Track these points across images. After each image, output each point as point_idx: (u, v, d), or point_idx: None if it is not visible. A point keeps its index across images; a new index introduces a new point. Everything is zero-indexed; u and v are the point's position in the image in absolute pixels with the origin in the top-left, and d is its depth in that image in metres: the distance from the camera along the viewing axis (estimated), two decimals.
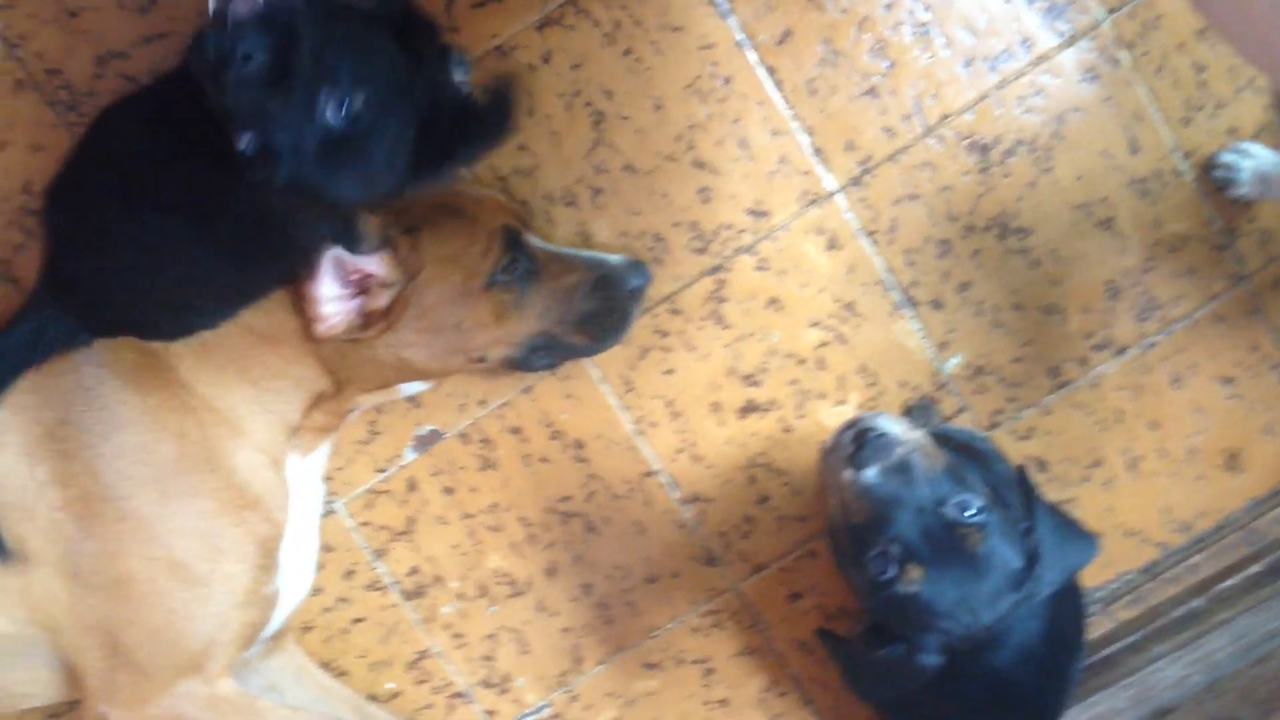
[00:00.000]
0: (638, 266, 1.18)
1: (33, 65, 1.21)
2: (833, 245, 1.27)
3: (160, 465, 1.07)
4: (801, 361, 1.29)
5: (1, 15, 1.20)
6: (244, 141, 0.88)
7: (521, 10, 1.22)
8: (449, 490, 1.32)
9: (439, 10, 1.21)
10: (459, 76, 1.20)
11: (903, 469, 1.03)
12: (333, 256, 1.01)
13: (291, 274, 1.05)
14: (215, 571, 1.07)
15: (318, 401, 1.12)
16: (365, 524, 1.32)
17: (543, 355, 1.17)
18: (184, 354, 1.09)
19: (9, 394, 1.08)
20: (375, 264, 1.04)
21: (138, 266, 1.06)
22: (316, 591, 1.32)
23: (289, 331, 1.08)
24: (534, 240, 1.16)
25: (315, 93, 0.88)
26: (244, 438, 1.10)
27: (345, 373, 1.11)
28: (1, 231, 1.21)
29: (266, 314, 1.08)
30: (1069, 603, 1.17)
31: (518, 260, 1.12)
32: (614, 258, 1.19)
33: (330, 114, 0.88)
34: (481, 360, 1.13)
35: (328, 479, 1.29)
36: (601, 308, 1.16)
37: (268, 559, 1.12)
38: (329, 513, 1.31)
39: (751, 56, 1.23)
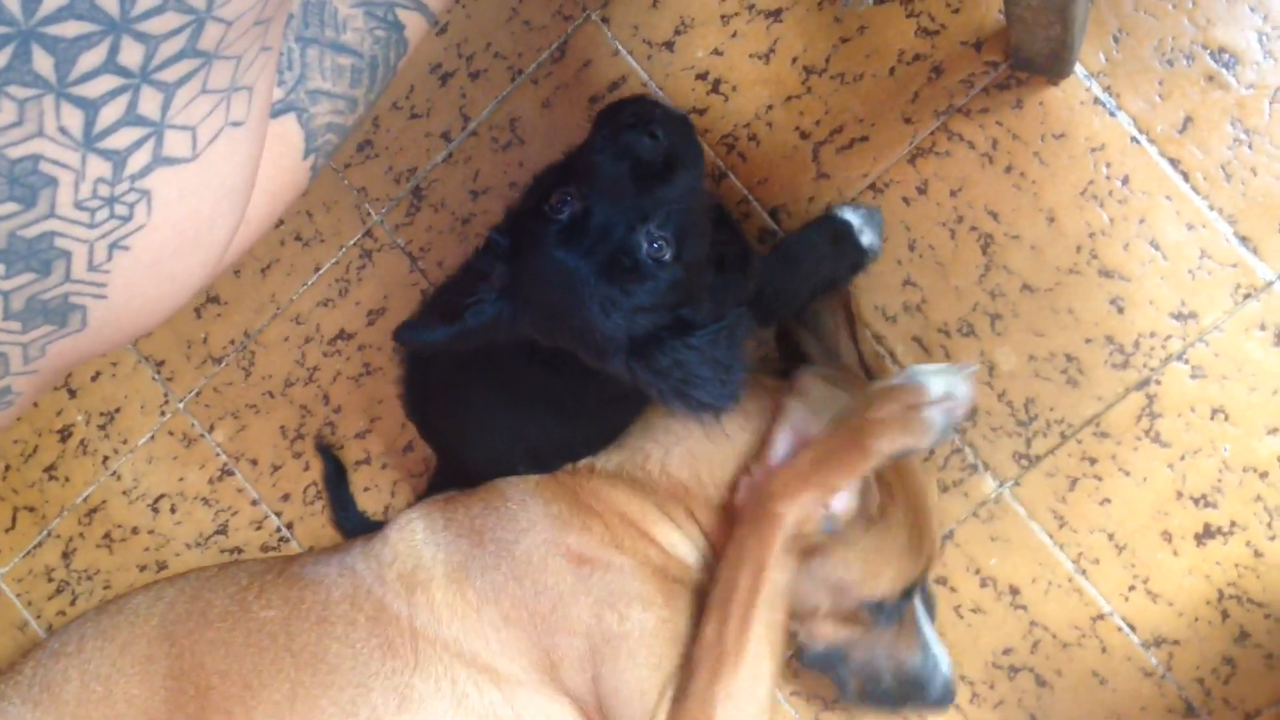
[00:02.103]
0: None
1: (434, 274, 1.29)
2: None
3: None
4: (1263, 475, 1.14)
5: (402, 233, 1.30)
6: (564, 199, 0.87)
7: (890, 145, 1.19)
8: None
9: (806, 161, 1.20)
10: (868, 238, 1.16)
11: None
12: None
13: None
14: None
15: None
16: (793, 694, 1.26)
17: None
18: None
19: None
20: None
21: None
22: None
23: None
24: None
25: (648, 218, 0.86)
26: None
27: None
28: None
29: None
30: None
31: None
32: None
33: (641, 239, 0.86)
34: None
35: None
36: None
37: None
38: None
39: (1151, 150, 1.13)
